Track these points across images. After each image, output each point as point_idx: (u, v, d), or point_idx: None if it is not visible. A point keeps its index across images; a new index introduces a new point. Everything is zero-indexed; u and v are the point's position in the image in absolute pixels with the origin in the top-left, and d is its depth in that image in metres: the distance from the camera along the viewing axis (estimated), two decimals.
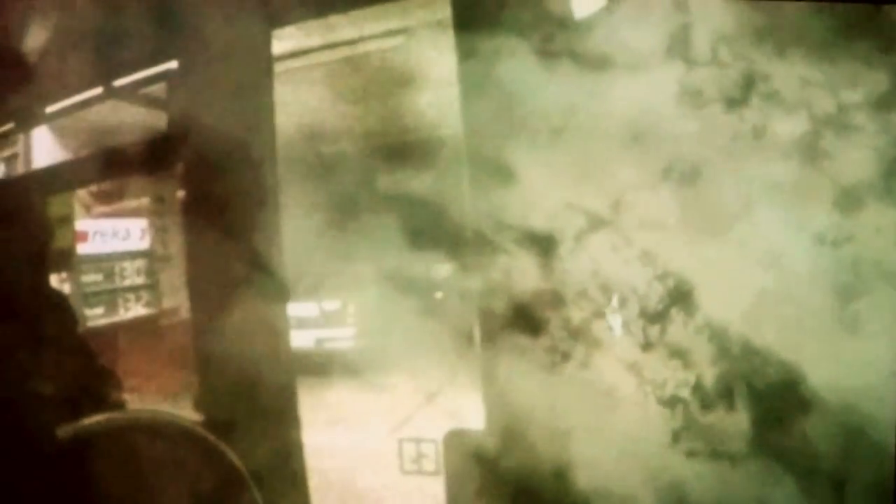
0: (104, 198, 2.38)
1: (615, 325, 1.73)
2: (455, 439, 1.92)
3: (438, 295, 2.13)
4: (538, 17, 1.75)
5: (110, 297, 2.43)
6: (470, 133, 1.85)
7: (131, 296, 2.49)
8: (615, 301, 1.73)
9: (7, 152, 2.17)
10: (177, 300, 2.31)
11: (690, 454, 1.64)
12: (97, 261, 2.39)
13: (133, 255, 2.47)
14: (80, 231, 2.29)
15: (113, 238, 2.42)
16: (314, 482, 1.98)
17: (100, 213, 2.38)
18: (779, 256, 1.59)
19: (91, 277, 2.38)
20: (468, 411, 1.93)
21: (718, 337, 1.64)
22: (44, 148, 2.18)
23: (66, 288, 2.25)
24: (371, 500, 2.04)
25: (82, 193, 2.31)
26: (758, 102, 1.62)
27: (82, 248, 2.33)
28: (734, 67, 1.64)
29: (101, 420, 1.72)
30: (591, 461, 1.67)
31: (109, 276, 2.44)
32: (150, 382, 2.04)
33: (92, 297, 2.37)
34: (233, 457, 1.78)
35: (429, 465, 1.95)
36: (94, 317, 2.36)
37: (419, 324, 1.99)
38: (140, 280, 2.50)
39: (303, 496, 1.96)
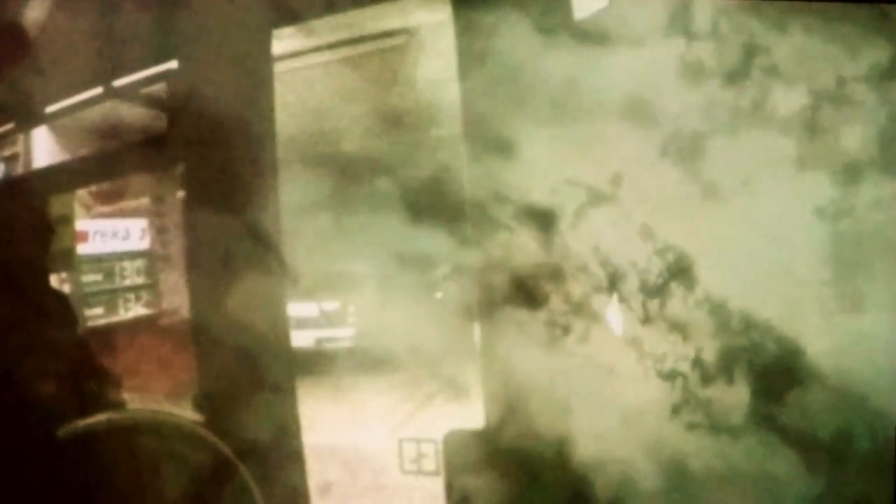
0: (104, 198, 2.38)
1: (612, 316, 1.73)
2: (455, 439, 1.92)
3: (439, 295, 2.12)
4: None
5: (110, 297, 2.43)
6: (468, 110, 1.85)
7: (131, 296, 2.48)
8: (613, 297, 1.73)
9: (7, 152, 2.17)
10: (177, 300, 2.31)
11: (690, 427, 1.65)
12: (97, 261, 2.39)
13: (133, 255, 2.47)
14: (80, 231, 2.29)
15: (113, 238, 2.42)
16: (314, 482, 1.98)
17: (100, 213, 2.38)
18: (778, 231, 1.59)
19: (91, 277, 2.38)
20: (468, 410, 1.93)
21: (718, 311, 1.64)
22: (44, 148, 2.18)
23: (66, 288, 2.24)
24: (371, 499, 2.04)
25: (82, 193, 2.30)
26: (757, 76, 1.62)
27: (82, 248, 2.33)
28: (733, 41, 1.63)
29: (102, 420, 1.71)
30: (591, 435, 1.68)
31: (109, 276, 2.44)
32: (150, 382, 2.03)
33: (92, 298, 2.37)
34: (232, 457, 1.78)
35: (429, 465, 1.94)
36: (94, 317, 2.36)
37: (419, 324, 1.98)
38: (140, 280, 2.50)
39: (303, 496, 1.96)
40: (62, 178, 2.16)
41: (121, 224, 2.41)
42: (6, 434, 1.58)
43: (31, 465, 1.58)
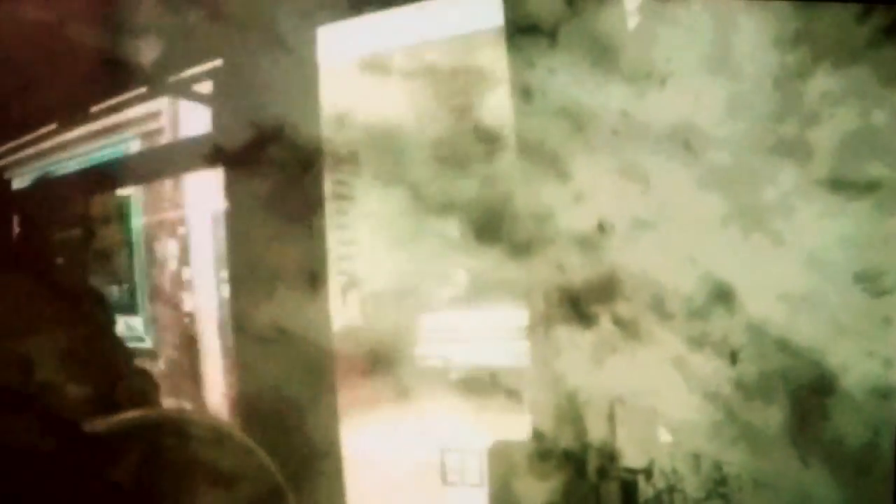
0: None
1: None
2: (499, 451, 1.88)
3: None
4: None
5: None
6: (521, 131, 1.85)
7: None
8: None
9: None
10: None
11: (730, 443, 1.70)
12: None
13: None
14: None
15: None
16: (353, 492, 1.93)
17: None
18: (815, 259, 1.65)
19: None
20: (513, 421, 1.88)
21: (757, 335, 1.69)
22: None
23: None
24: None
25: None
26: (793, 111, 1.67)
27: None
28: (772, 78, 1.68)
29: (133, 417, 1.70)
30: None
31: None
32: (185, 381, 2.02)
33: None
34: (266, 459, 1.74)
35: (472, 477, 1.90)
36: None
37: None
38: None
39: None
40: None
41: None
42: (35, 426, 1.58)
43: (60, 459, 1.57)
